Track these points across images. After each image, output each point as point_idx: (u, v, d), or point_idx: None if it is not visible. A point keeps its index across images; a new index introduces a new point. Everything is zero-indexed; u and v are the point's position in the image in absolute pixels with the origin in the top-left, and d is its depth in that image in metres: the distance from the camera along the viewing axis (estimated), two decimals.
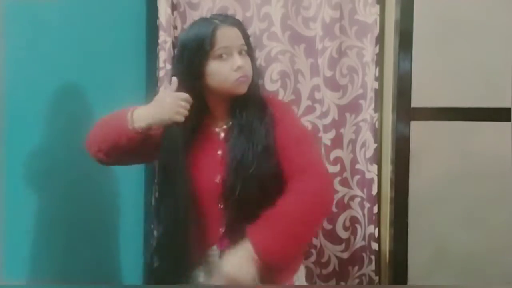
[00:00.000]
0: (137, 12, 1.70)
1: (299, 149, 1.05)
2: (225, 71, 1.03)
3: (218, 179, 1.06)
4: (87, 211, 1.39)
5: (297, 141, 1.07)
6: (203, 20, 1.10)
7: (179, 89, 1.05)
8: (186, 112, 1.02)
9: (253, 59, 1.09)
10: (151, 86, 1.70)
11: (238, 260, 0.94)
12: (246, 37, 1.08)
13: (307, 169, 1.02)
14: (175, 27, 1.68)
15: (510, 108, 1.60)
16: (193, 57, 1.03)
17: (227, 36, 1.03)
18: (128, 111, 1.03)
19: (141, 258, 1.72)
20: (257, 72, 1.11)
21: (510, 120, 1.60)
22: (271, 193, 1.03)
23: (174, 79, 1.06)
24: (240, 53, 1.05)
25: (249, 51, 1.08)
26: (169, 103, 1.02)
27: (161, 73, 1.65)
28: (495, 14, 1.59)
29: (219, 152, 1.08)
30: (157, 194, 1.14)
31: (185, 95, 1.03)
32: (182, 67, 1.06)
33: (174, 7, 1.67)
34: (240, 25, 1.08)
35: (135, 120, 1.01)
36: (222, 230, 1.07)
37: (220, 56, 1.03)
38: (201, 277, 1.13)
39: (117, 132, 1.02)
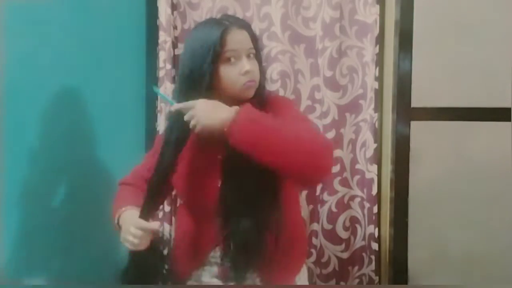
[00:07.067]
0: (137, 12, 1.70)
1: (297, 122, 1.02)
2: (233, 75, 1.01)
3: (219, 183, 1.06)
4: (87, 211, 1.39)
5: (295, 118, 1.04)
6: (212, 21, 1.07)
7: (182, 92, 1.02)
8: (136, 241, 0.97)
9: (260, 63, 1.07)
10: (151, 86, 1.70)
11: (218, 107, 0.93)
12: (254, 40, 1.06)
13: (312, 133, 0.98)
14: (175, 27, 1.68)
15: (510, 108, 1.59)
16: (202, 59, 0.99)
17: (236, 39, 1.01)
18: (120, 209, 1.07)
19: None
20: (264, 75, 1.10)
21: (510, 120, 1.60)
22: (270, 194, 1.03)
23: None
24: (248, 56, 1.03)
25: (257, 55, 1.06)
26: (125, 229, 1.00)
27: (161, 73, 1.65)
28: (495, 14, 1.59)
29: (219, 156, 1.07)
30: None
31: (144, 225, 0.98)
32: (189, 70, 1.02)
33: (174, 7, 1.67)
34: (249, 28, 1.06)
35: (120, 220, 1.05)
36: (224, 232, 1.06)
37: (228, 60, 1.00)
38: (203, 277, 1.14)
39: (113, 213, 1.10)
